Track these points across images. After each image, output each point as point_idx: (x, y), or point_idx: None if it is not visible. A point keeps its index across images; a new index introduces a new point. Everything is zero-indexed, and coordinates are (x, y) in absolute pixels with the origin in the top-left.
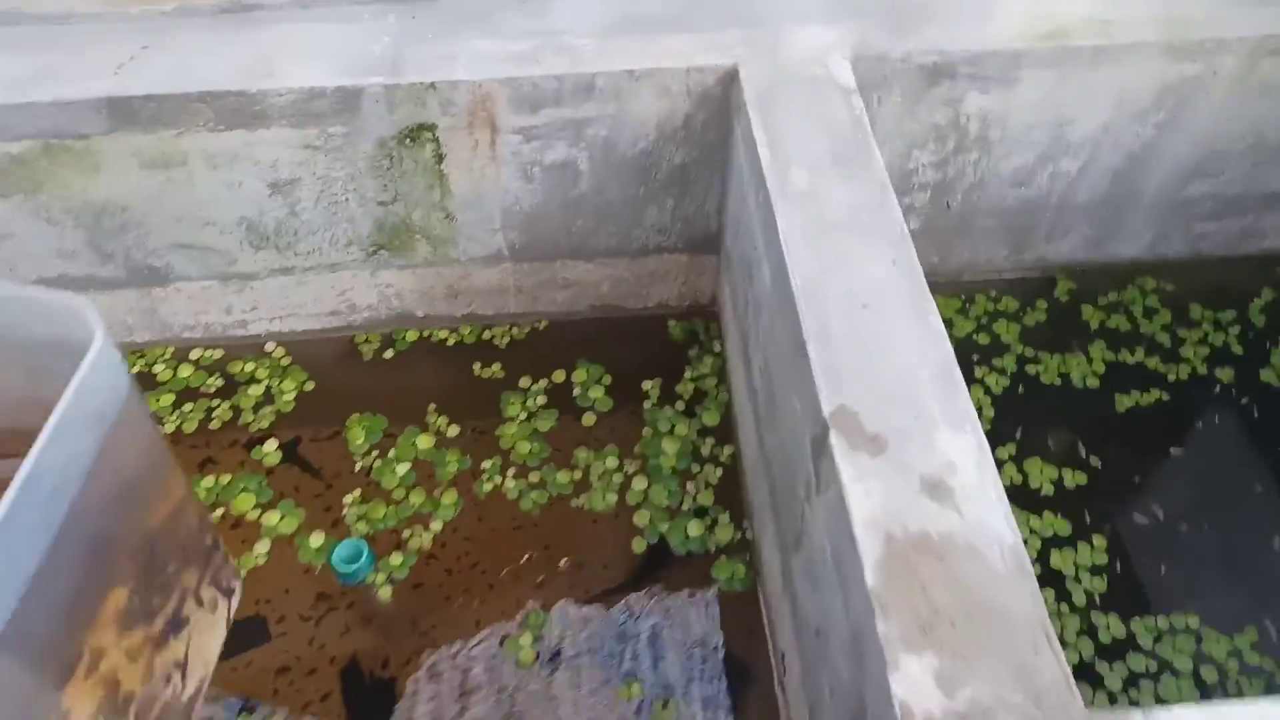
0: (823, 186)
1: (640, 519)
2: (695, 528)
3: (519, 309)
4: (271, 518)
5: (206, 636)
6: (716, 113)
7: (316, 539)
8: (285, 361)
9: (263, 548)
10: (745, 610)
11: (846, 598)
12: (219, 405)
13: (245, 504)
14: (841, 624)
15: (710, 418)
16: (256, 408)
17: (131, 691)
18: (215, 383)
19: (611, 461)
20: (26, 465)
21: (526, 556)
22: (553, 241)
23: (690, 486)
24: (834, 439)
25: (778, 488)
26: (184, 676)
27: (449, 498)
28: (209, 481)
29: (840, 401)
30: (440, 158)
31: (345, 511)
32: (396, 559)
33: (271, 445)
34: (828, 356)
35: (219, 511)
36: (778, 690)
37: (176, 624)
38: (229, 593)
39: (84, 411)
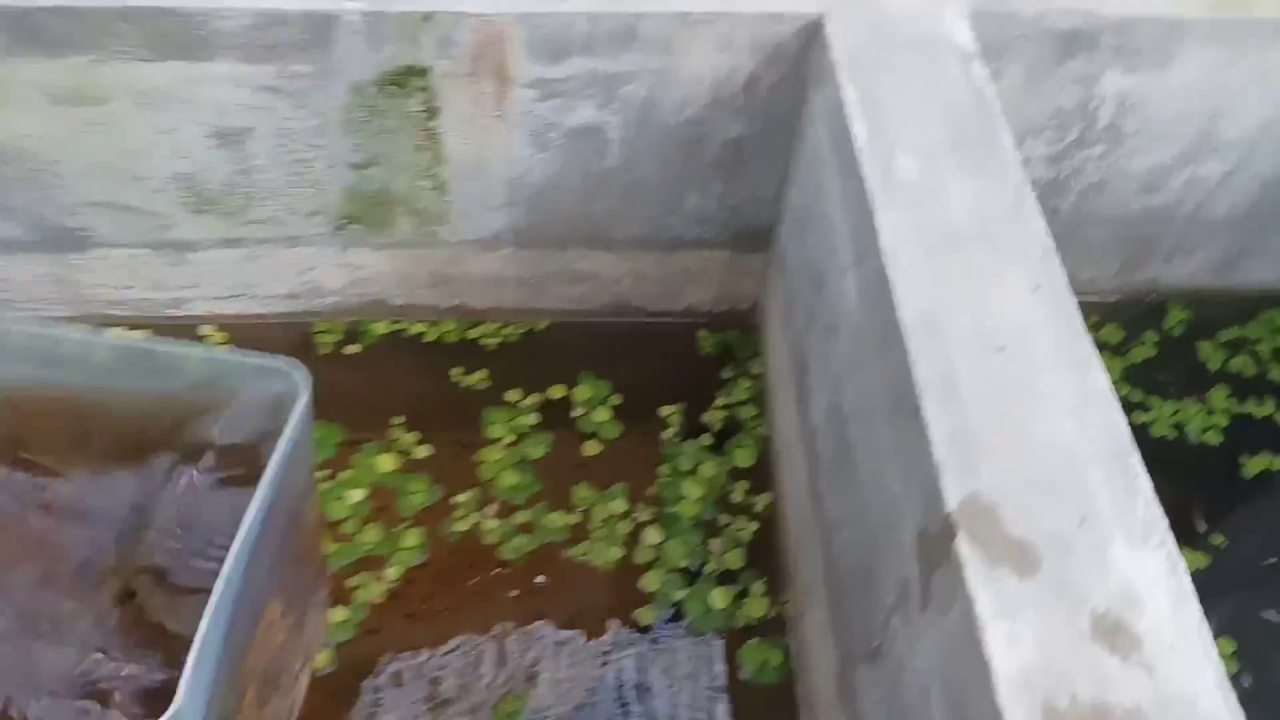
0: (939, 180)
1: (650, 581)
2: (720, 597)
3: (516, 304)
4: None
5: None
6: (789, 75)
7: None
8: None
9: None
10: (776, 711)
11: None
12: None
13: None
14: None
15: (744, 457)
16: None
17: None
18: None
19: (618, 505)
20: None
21: (500, 628)
22: (567, 225)
23: (715, 544)
24: (963, 546)
25: (844, 571)
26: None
27: (412, 538)
28: None
29: (973, 488)
30: (432, 112)
31: None
32: (339, 614)
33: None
34: (952, 421)
35: None
36: None
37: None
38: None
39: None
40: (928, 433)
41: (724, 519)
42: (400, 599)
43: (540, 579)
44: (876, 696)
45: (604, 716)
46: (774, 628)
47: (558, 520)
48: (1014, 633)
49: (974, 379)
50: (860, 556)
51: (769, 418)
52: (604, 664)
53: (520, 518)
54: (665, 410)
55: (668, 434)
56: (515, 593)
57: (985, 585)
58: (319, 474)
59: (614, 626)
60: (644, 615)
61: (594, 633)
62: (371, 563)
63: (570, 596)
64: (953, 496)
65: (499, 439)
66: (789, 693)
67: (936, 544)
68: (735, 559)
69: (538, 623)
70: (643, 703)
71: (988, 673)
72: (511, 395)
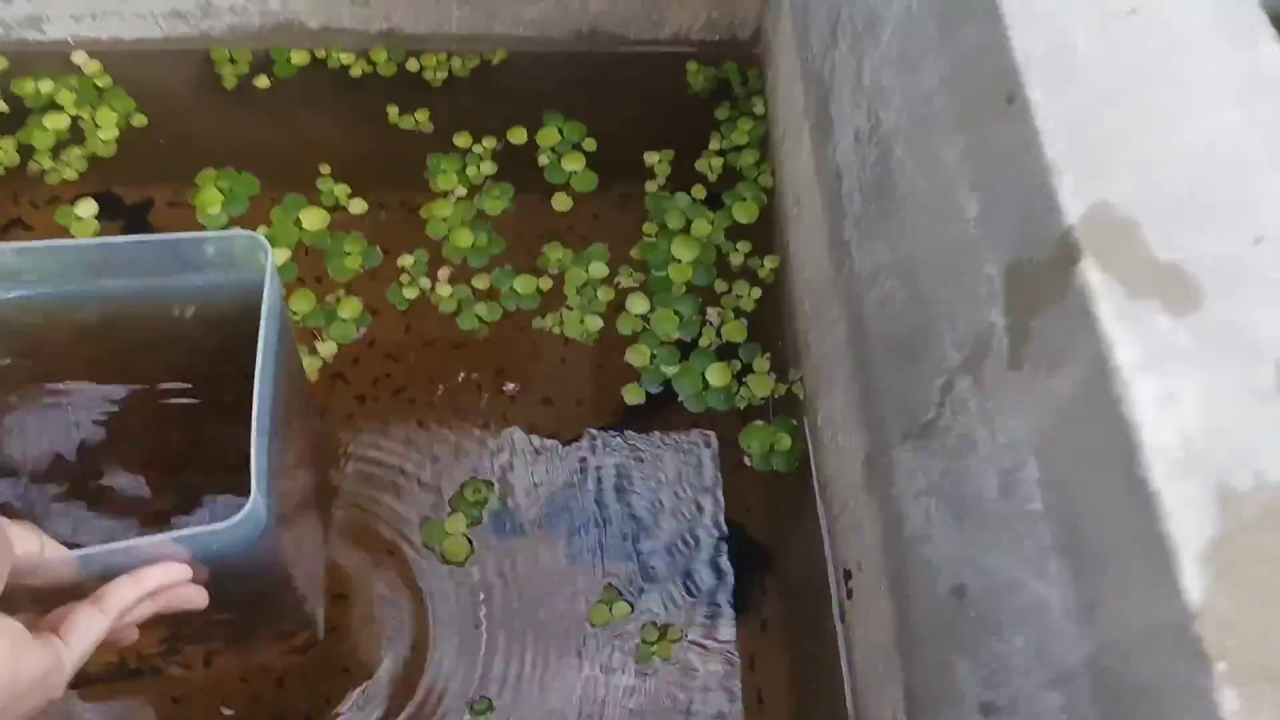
0: None
1: (637, 356)
2: (718, 374)
3: (462, 30)
4: None
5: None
6: None
7: None
8: (102, 82)
9: None
10: (789, 499)
11: (1089, 589)
12: (2, 141)
13: None
14: (1059, 629)
15: (745, 213)
16: (58, 149)
17: None
18: None
19: (597, 269)
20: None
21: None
22: None
23: (712, 314)
24: (1091, 273)
25: (879, 334)
26: None
27: (348, 308)
28: None
29: (1102, 194)
30: None
31: None
32: None
33: (87, 208)
34: (1069, 107)
35: None
36: (836, 620)
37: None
38: None
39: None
40: (1034, 122)
41: (721, 285)
42: (344, 380)
43: (506, 370)
44: (922, 485)
45: (579, 511)
46: (781, 408)
47: (525, 285)
48: (1169, 390)
49: (1096, 53)
50: (905, 313)
51: (775, 165)
52: (582, 462)
53: (479, 283)
54: (650, 159)
55: (653, 186)
56: (477, 372)
57: (1126, 325)
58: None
59: (592, 412)
60: (630, 393)
61: (570, 419)
62: (302, 337)
63: (542, 374)
64: (1074, 207)
65: (448, 191)
66: (800, 480)
67: (1043, 276)
68: (735, 330)
69: (510, 429)
70: (623, 497)
71: (1131, 446)
72: (461, 140)
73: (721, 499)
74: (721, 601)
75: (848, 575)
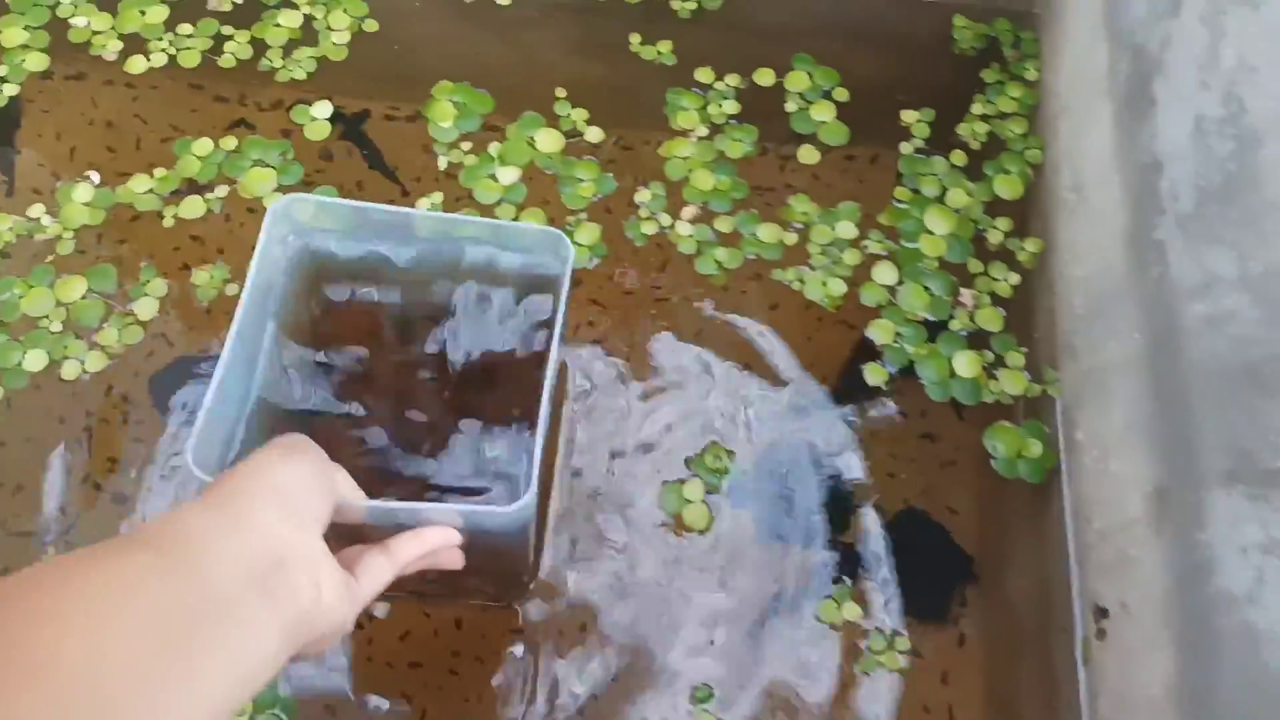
0: None
1: (881, 332)
2: (968, 363)
3: None
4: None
5: None
6: None
7: None
8: None
9: None
10: (1023, 512)
11: None
12: (234, 35)
13: (262, 182)
14: None
15: (1008, 187)
16: (289, 47)
17: None
18: None
19: (845, 228)
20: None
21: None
22: None
23: (966, 295)
24: None
25: (1199, 357)
26: None
27: (585, 233)
28: (208, 148)
29: None
30: None
31: None
32: None
33: (322, 109)
34: None
35: (223, 190)
36: (1076, 658)
37: None
38: None
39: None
40: None
41: (975, 265)
42: (579, 307)
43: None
44: (1256, 540)
45: (803, 491)
46: (1032, 411)
47: (769, 234)
48: None
49: None
50: (1256, 337)
51: (1046, 140)
52: (809, 438)
53: (722, 225)
54: (908, 116)
55: (908, 147)
56: (717, 315)
57: None
58: (464, 146)
59: (828, 383)
60: (872, 372)
61: (804, 388)
62: None
63: (781, 330)
64: None
65: (688, 129)
66: (1041, 494)
67: None
68: (990, 318)
69: (745, 387)
70: (848, 481)
71: None
72: (703, 75)
73: (937, 495)
74: (921, 607)
75: (1101, 613)
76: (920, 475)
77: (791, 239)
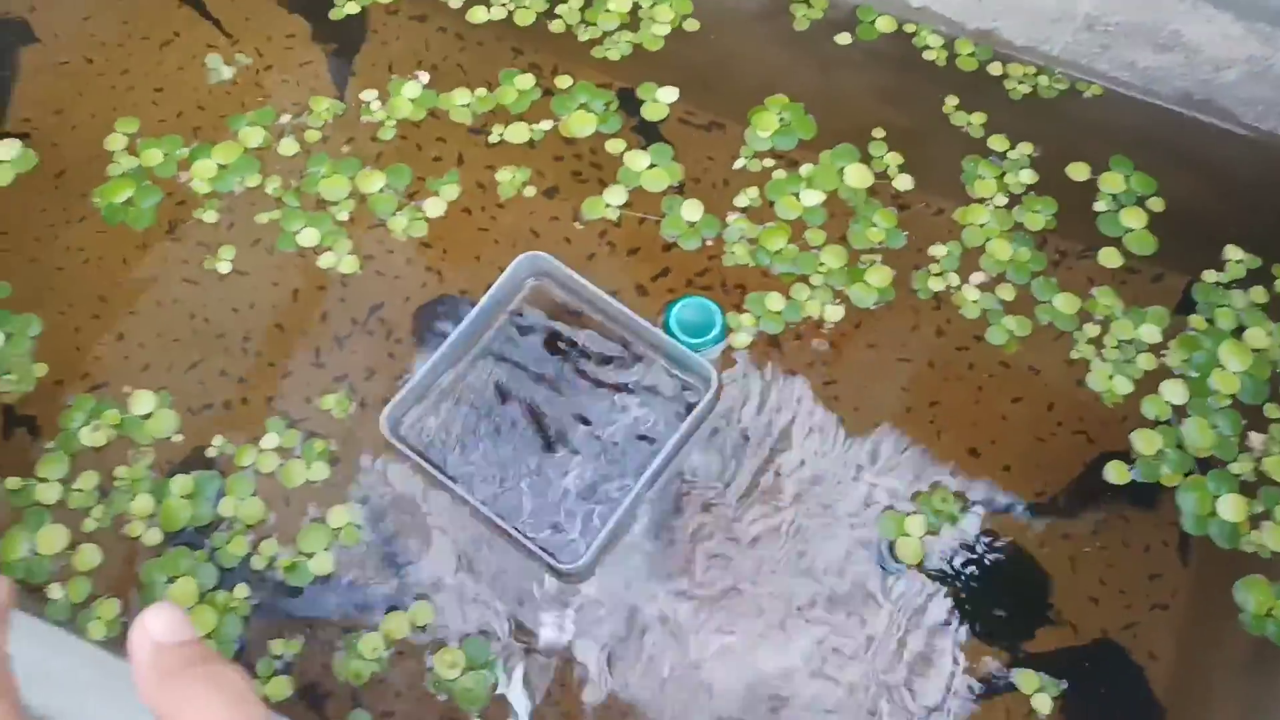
0: None
1: (1145, 442)
2: (1233, 507)
3: (1065, 55)
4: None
5: None
6: None
7: None
8: None
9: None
10: (1243, 671)
11: None
12: (567, 5)
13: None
14: None
15: None
16: (614, 31)
17: None
18: None
19: (1149, 331)
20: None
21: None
22: None
23: (1255, 439)
24: None
25: None
26: None
27: (877, 276)
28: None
29: None
30: None
31: None
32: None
33: (668, 94)
34: None
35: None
36: None
37: None
38: None
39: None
40: None
41: (1273, 411)
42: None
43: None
44: None
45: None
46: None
47: (1066, 306)
48: None
49: None
50: None
51: None
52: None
53: (1009, 294)
54: (1230, 254)
55: (1213, 279)
56: (997, 390)
57: None
58: (767, 162)
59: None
60: (1115, 471)
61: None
62: (807, 280)
63: (1054, 407)
64: None
65: (985, 197)
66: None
67: None
68: (1277, 467)
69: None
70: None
71: None
72: (997, 143)
73: (1141, 635)
74: None
75: None
76: (1127, 611)
77: (1092, 331)
